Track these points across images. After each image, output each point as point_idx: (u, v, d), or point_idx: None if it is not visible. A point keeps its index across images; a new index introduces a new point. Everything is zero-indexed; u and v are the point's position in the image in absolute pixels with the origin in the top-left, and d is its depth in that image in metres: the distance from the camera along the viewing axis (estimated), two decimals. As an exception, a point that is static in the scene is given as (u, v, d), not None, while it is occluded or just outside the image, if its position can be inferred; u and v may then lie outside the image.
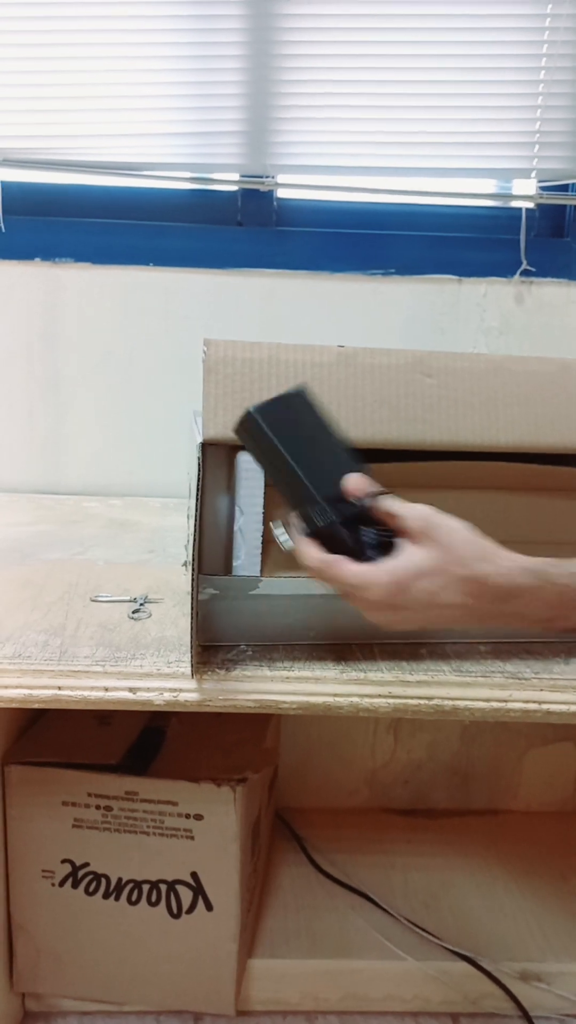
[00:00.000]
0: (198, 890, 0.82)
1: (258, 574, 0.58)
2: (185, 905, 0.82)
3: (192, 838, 0.81)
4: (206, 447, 0.58)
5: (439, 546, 0.48)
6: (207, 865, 0.82)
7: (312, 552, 0.49)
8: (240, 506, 0.58)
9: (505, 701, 0.54)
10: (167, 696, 0.53)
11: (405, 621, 0.49)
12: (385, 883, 1.03)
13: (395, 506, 0.50)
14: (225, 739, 0.90)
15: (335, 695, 0.54)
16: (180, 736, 0.90)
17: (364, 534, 0.50)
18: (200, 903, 0.82)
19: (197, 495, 0.52)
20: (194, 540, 0.52)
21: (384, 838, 1.13)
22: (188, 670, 0.54)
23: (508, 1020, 0.91)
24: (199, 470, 0.52)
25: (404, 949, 0.92)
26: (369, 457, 0.60)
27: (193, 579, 0.52)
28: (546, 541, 0.64)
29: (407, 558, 0.48)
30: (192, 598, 0.52)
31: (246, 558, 0.59)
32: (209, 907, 0.82)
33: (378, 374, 0.60)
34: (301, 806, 1.18)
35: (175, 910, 0.82)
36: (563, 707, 0.54)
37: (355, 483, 0.50)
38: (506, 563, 0.49)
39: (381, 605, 0.48)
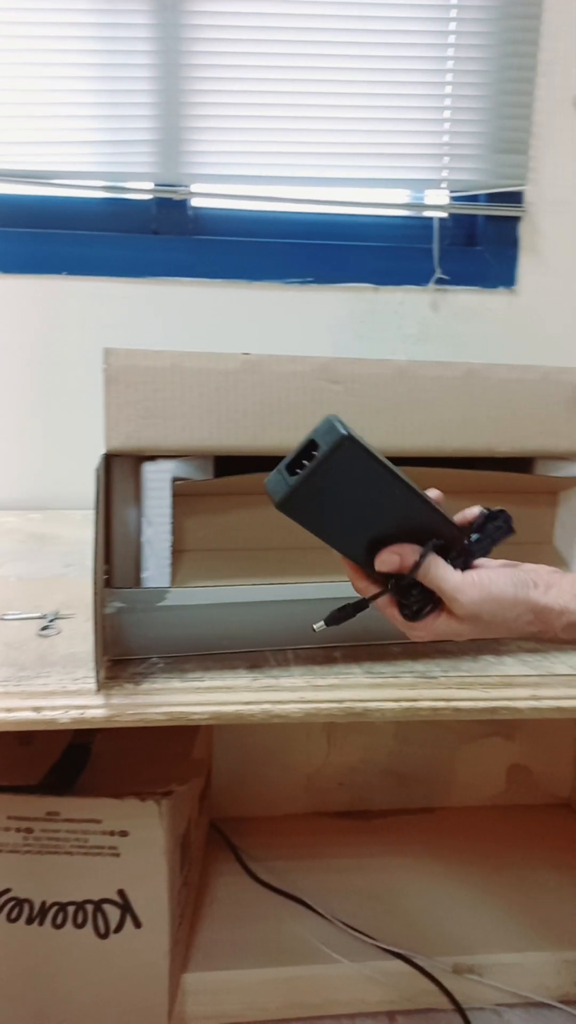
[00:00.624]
0: (125, 908, 0.81)
1: (168, 585, 0.58)
2: (113, 924, 0.81)
3: (118, 855, 0.79)
4: (112, 458, 0.57)
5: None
6: (134, 882, 0.80)
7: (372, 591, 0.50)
8: (147, 517, 0.58)
9: (414, 700, 0.55)
10: (73, 714, 0.52)
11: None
12: (322, 887, 1.03)
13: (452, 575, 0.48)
14: (152, 752, 0.88)
15: (247, 703, 0.54)
16: (106, 752, 0.89)
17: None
18: (128, 921, 0.81)
19: (98, 507, 0.51)
20: (95, 553, 0.51)
21: (321, 842, 1.13)
22: (95, 686, 0.53)
23: (443, 1014, 0.92)
24: (99, 482, 0.51)
25: (340, 952, 0.93)
26: (270, 464, 0.61)
27: (95, 593, 0.51)
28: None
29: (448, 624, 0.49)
30: (95, 612, 0.51)
31: (155, 569, 0.58)
32: (138, 924, 0.81)
33: (284, 381, 0.60)
34: (237, 815, 1.17)
35: (102, 930, 0.81)
36: (470, 703, 0.55)
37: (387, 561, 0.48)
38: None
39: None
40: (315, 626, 0.49)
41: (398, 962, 0.92)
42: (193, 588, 0.56)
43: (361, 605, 0.49)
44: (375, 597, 0.49)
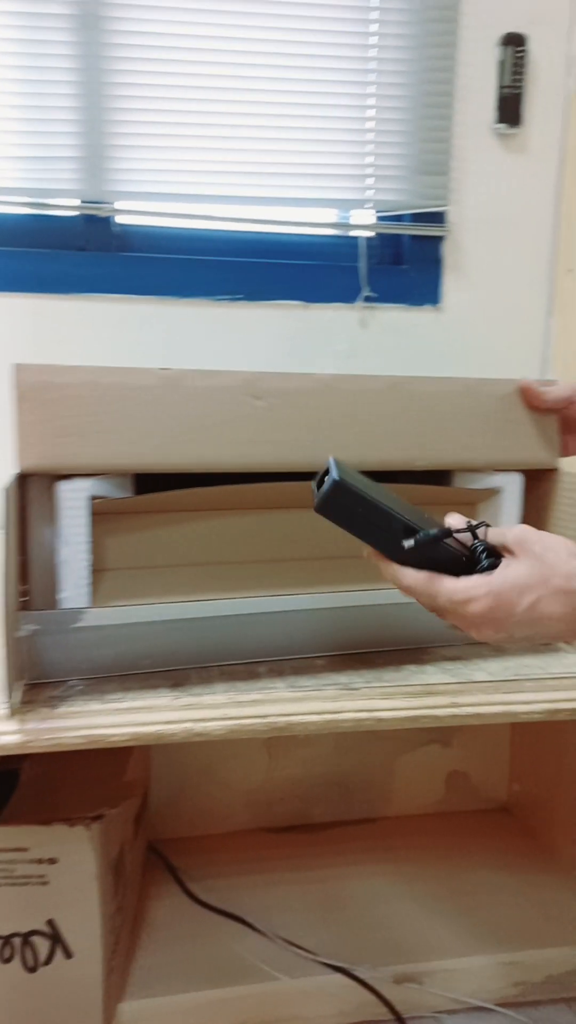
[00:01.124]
0: (55, 938, 0.78)
1: (87, 605, 0.57)
2: (42, 957, 0.78)
3: (46, 884, 0.77)
4: (26, 478, 0.56)
5: (537, 560, 0.48)
6: (64, 911, 0.78)
7: (409, 572, 0.50)
8: (63, 537, 0.57)
9: (337, 712, 0.56)
10: (-15, 740, 0.50)
11: (508, 636, 0.49)
12: (263, 904, 1.02)
13: (493, 530, 0.51)
14: (82, 776, 0.87)
15: (168, 722, 0.54)
16: (35, 778, 0.86)
17: (464, 552, 0.51)
18: (59, 952, 0.79)
19: (8, 528, 0.50)
20: (4, 574, 0.50)
21: (262, 858, 1.12)
22: (7, 712, 0.52)
23: (384, 1026, 0.92)
24: (8, 502, 0.50)
25: (281, 969, 0.92)
26: (198, 481, 0.61)
27: (5, 615, 0.50)
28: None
29: (505, 572, 0.48)
30: (6, 635, 0.50)
31: (72, 590, 0.57)
32: (69, 955, 0.79)
33: (206, 397, 0.60)
34: (177, 835, 1.16)
35: (31, 964, 0.78)
36: (392, 713, 0.56)
37: (455, 517, 0.52)
38: None
39: (482, 620, 0.48)
40: (405, 543, 0.50)
41: (339, 976, 0.92)
42: (112, 608, 0.55)
43: (446, 533, 0.51)
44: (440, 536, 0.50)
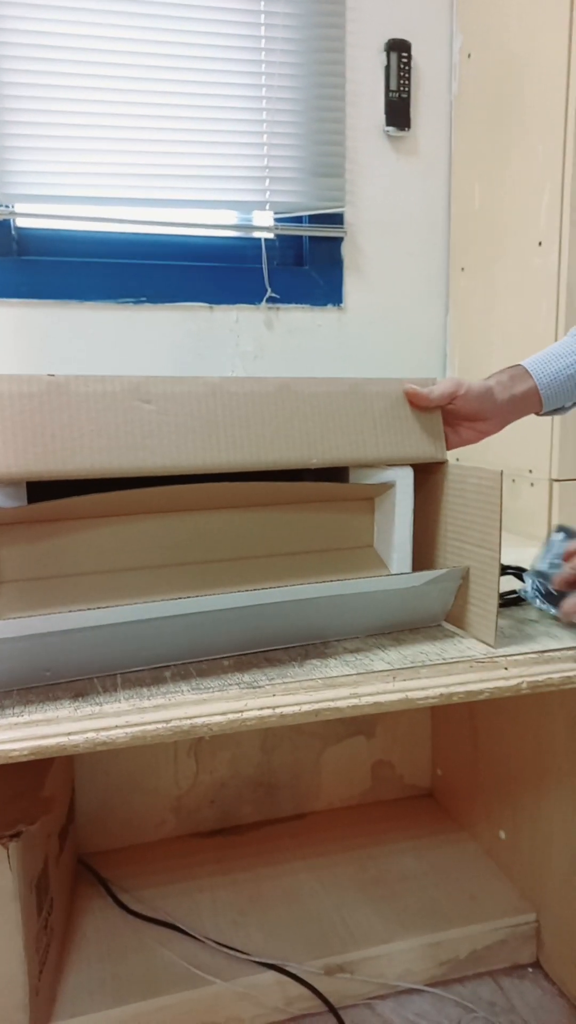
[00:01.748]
0: (-24, 964, 0.76)
1: (-18, 620, 0.56)
2: (-37, 983, 0.76)
3: (-36, 909, 0.75)
4: None
5: None
6: (-16, 934, 0.76)
7: None
8: (-45, 550, 0.55)
9: (241, 711, 0.56)
10: None
11: None
12: (193, 909, 1.02)
13: None
14: (1, 792, 0.84)
15: (69, 734, 0.53)
16: (-52, 800, 0.84)
17: None
18: (-20, 977, 0.76)
19: None
20: None
21: (192, 863, 1.12)
22: None
23: (318, 1017, 0.94)
24: None
25: (213, 972, 0.92)
26: (93, 487, 0.60)
27: None
28: (274, 554, 0.68)
29: None
30: None
31: (-32, 604, 0.56)
32: (-9, 979, 0.77)
33: (94, 402, 0.60)
34: (106, 847, 1.14)
35: (-49, 992, 0.76)
36: (295, 708, 0.57)
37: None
38: None
39: None
40: None
41: (271, 973, 0.93)
42: (8, 620, 0.54)
43: None
44: None
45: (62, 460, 0.58)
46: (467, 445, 0.74)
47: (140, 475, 0.60)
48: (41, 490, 0.61)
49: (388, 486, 0.70)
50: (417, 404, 0.70)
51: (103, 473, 0.59)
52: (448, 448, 0.71)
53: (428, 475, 0.72)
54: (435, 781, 1.28)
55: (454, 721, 1.19)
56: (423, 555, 0.73)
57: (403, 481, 0.70)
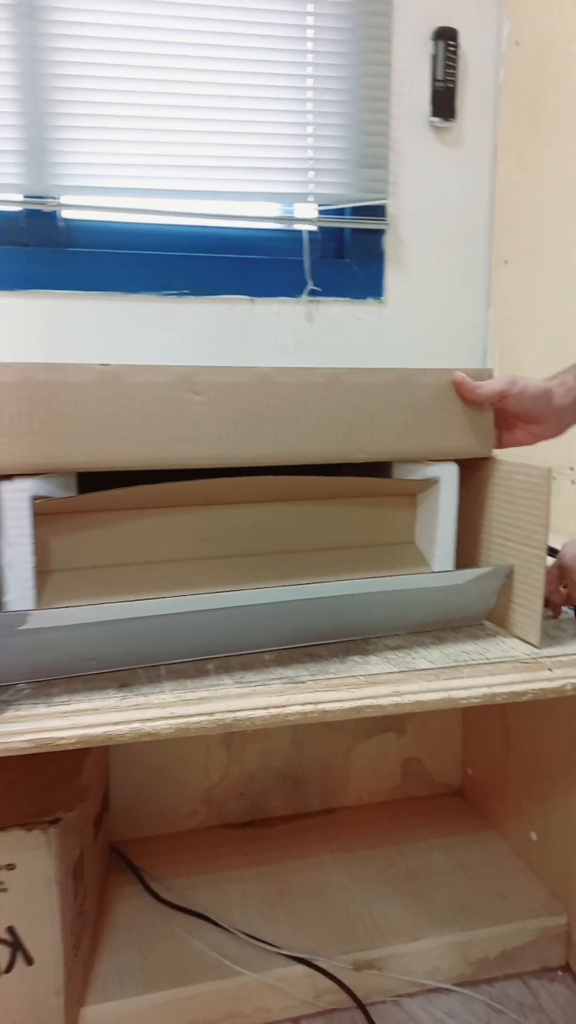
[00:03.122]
0: (16, 945, 0.77)
1: (32, 608, 0.56)
2: (3, 964, 0.78)
3: (5, 890, 0.76)
4: (-37, 481, 0.55)
5: None
6: (24, 917, 0.77)
7: None
8: (6, 539, 0.56)
9: (283, 706, 0.56)
10: None
11: None
12: (223, 900, 1.03)
13: None
14: (37, 780, 0.86)
15: (115, 723, 0.53)
16: (-12, 784, 0.85)
17: None
18: (19, 959, 0.78)
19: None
20: None
21: (222, 854, 1.13)
22: (-47, 717, 0.51)
23: (346, 1012, 0.94)
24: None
25: (242, 963, 0.93)
26: (142, 478, 0.61)
27: None
28: (315, 548, 0.68)
29: None
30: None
31: (17, 592, 0.57)
32: (29, 961, 0.78)
33: (144, 392, 0.60)
34: (138, 836, 1.15)
35: (-10, 972, 0.77)
36: (336, 704, 0.57)
37: None
38: None
39: None
40: None
41: (299, 966, 0.93)
42: (56, 610, 0.55)
43: None
44: None
45: (111, 451, 0.58)
46: (519, 446, 0.72)
47: (186, 467, 0.60)
48: (90, 479, 0.61)
49: (432, 482, 0.69)
50: (464, 395, 0.68)
51: (149, 465, 0.59)
52: (499, 447, 0.70)
53: (473, 470, 0.71)
54: (465, 780, 1.27)
55: (485, 719, 1.18)
56: (466, 552, 0.73)
57: (448, 477, 0.69)
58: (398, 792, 1.26)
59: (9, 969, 0.78)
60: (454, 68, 1.11)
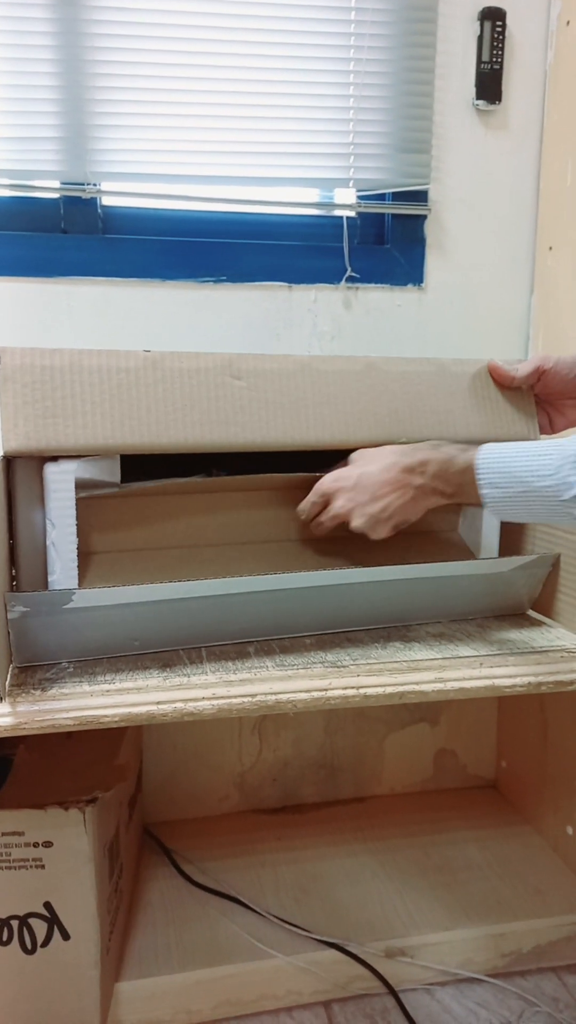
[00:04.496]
0: (53, 920, 0.79)
1: (75, 586, 0.57)
2: (40, 938, 0.79)
3: (43, 867, 0.78)
4: (13, 460, 0.56)
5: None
6: (61, 893, 0.79)
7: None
8: (51, 519, 0.57)
9: (325, 690, 0.56)
10: (-24, 723, 0.50)
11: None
12: (256, 884, 1.04)
13: None
14: (75, 760, 0.87)
15: (158, 703, 0.54)
16: (28, 762, 0.86)
17: None
18: (56, 934, 0.79)
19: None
20: None
21: (254, 839, 1.13)
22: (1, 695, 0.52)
23: (377, 998, 0.94)
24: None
25: (274, 946, 0.93)
26: (184, 459, 0.61)
27: None
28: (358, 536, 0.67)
29: None
30: (-3, 618, 0.50)
31: (62, 572, 0.57)
32: (66, 936, 0.79)
33: (187, 378, 0.60)
34: (171, 818, 1.16)
35: (29, 945, 0.79)
36: (379, 689, 0.56)
37: None
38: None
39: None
40: None
41: (331, 951, 0.93)
42: (101, 589, 0.55)
43: None
44: None
45: (155, 434, 0.59)
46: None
47: (231, 451, 0.60)
48: (133, 461, 0.61)
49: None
50: (500, 381, 0.68)
51: (196, 448, 0.59)
52: (553, 431, 0.68)
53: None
54: (499, 772, 1.26)
55: (522, 712, 1.17)
56: (511, 541, 0.72)
57: (493, 464, 0.68)
58: (431, 783, 1.25)
59: (46, 943, 0.79)
60: (501, 50, 1.09)
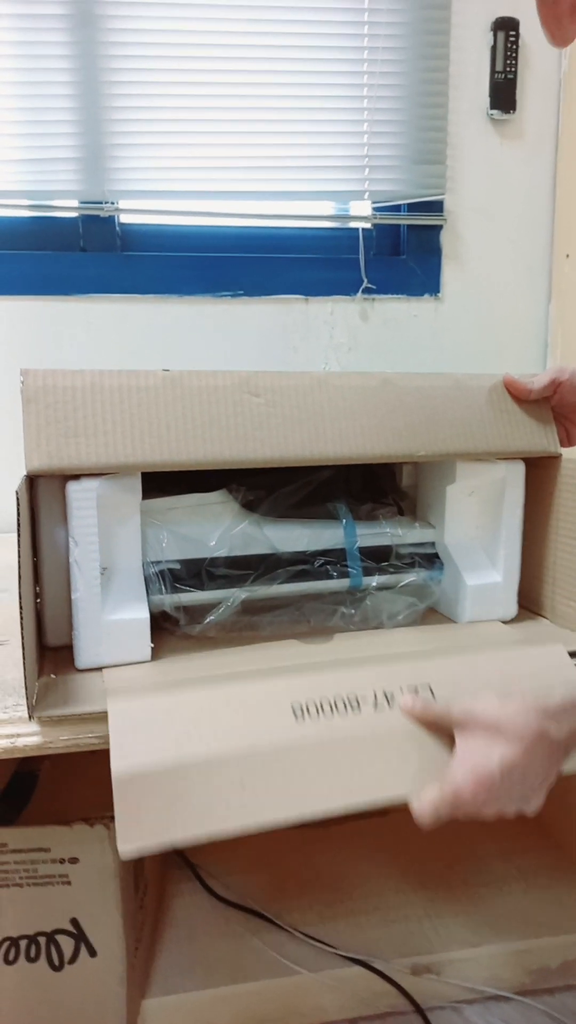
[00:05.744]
0: (79, 937, 0.79)
1: (99, 604, 0.58)
2: (67, 955, 0.79)
3: (69, 883, 0.78)
4: (36, 479, 0.56)
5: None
6: (87, 909, 0.79)
7: None
8: (74, 537, 0.57)
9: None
10: (3, 743, 0.51)
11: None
12: (281, 900, 1.03)
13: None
14: (101, 775, 0.87)
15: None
16: (54, 778, 0.87)
17: None
18: (83, 950, 0.79)
19: (20, 529, 0.51)
20: (19, 575, 0.50)
21: (279, 855, 1.13)
22: (25, 714, 0.52)
23: (403, 1016, 0.93)
24: (19, 503, 0.51)
25: (299, 962, 0.92)
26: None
27: (22, 616, 0.50)
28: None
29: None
30: (24, 637, 0.50)
31: (85, 590, 0.58)
32: (92, 953, 0.79)
33: (206, 395, 0.60)
34: (194, 833, 1.16)
35: (56, 962, 0.79)
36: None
37: None
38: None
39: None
40: None
41: (357, 968, 0.92)
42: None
43: None
44: None
45: (176, 451, 0.59)
46: None
47: (250, 466, 0.61)
48: (154, 479, 0.62)
49: (497, 481, 0.68)
50: (517, 395, 0.67)
51: (215, 464, 0.59)
52: (570, 444, 0.68)
53: (539, 470, 0.69)
54: (525, 785, 1.24)
55: (547, 725, 1.15)
56: (531, 553, 0.71)
57: (514, 475, 0.68)
58: (455, 796, 1.23)
59: (73, 960, 0.79)
60: (515, 59, 1.09)
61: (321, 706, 0.53)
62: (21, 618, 0.51)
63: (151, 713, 0.52)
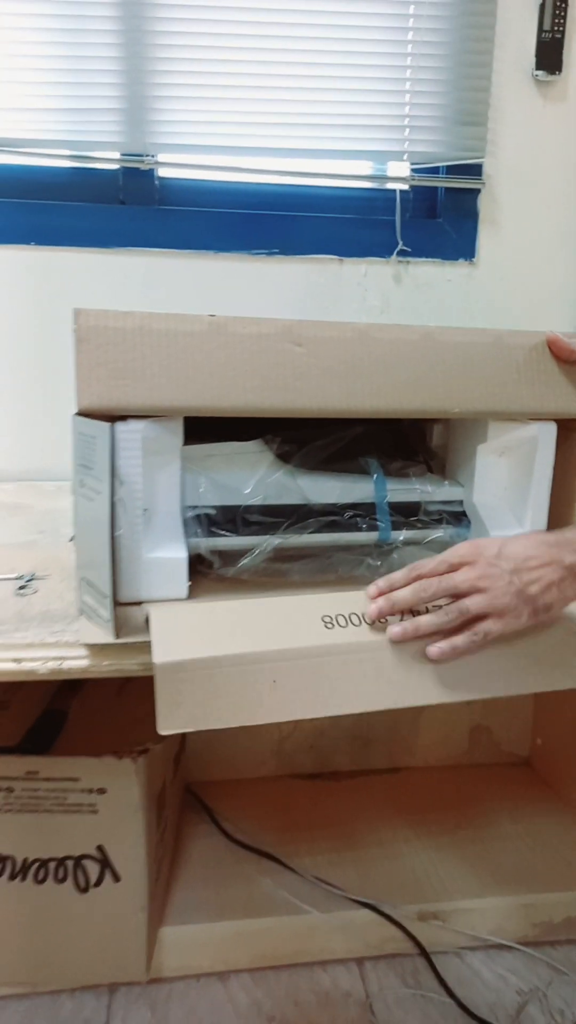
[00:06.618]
0: (104, 863, 0.83)
1: (140, 542, 0.60)
2: (92, 879, 0.83)
3: (96, 812, 0.81)
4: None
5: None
6: (112, 837, 0.82)
7: None
8: (120, 477, 0.59)
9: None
10: (51, 665, 0.53)
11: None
12: (293, 845, 1.06)
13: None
14: (127, 716, 0.90)
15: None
16: (82, 716, 0.90)
17: None
18: (107, 875, 0.83)
19: (111, 463, 0.53)
20: (111, 501, 0.53)
21: (291, 802, 1.16)
22: (71, 639, 0.55)
23: (409, 959, 0.96)
24: (111, 439, 0.53)
25: (310, 903, 0.96)
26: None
27: (111, 538, 0.53)
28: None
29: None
30: (110, 558, 0.53)
31: (127, 528, 0.60)
32: (116, 878, 0.83)
33: (249, 343, 0.62)
34: (212, 779, 1.20)
35: (83, 885, 0.83)
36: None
37: None
38: None
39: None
40: None
41: (366, 911, 0.96)
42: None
43: None
44: None
45: (218, 396, 0.60)
46: None
47: (289, 415, 0.62)
48: (195, 424, 0.64)
49: (529, 441, 0.69)
50: (559, 354, 0.68)
51: (255, 412, 0.61)
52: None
53: (567, 431, 0.70)
54: (534, 750, 1.27)
55: (560, 690, 1.17)
56: (559, 513, 0.72)
57: (545, 436, 0.69)
58: (465, 758, 1.26)
59: (99, 883, 0.83)
60: (563, 18, 1.07)
61: (350, 618, 0.56)
62: (111, 539, 0.53)
63: (190, 617, 0.56)
